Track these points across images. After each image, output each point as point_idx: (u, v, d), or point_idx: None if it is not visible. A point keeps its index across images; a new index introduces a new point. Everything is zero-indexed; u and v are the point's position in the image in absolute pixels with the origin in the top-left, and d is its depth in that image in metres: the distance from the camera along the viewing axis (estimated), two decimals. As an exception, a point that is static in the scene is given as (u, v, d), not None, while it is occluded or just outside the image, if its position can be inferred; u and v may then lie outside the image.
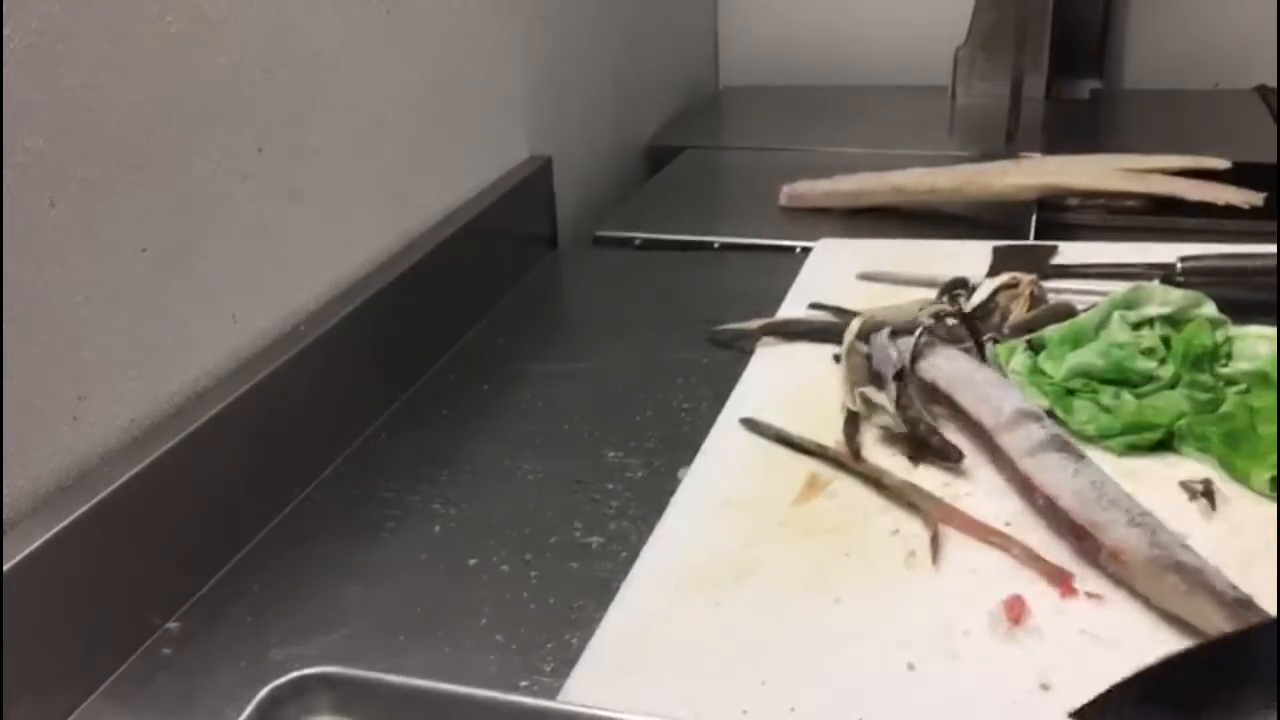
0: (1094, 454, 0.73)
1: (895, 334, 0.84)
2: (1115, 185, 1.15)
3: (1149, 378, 0.78)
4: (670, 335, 0.98)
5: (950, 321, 0.86)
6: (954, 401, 0.77)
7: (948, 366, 0.80)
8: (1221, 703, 0.50)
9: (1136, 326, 0.83)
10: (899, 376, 0.80)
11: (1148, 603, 0.60)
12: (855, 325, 0.86)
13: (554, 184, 1.20)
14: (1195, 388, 0.77)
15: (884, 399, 0.78)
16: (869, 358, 0.84)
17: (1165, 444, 0.74)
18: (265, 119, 0.77)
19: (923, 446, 0.74)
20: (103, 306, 0.64)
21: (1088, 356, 0.80)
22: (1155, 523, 0.63)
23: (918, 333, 0.83)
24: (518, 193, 1.12)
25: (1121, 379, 0.78)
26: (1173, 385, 0.77)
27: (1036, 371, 0.81)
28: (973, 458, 0.74)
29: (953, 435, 0.75)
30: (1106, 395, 0.77)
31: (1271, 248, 0.91)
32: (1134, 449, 0.74)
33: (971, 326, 0.85)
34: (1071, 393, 0.78)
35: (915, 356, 0.81)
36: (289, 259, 0.81)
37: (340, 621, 0.66)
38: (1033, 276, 0.90)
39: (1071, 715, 0.52)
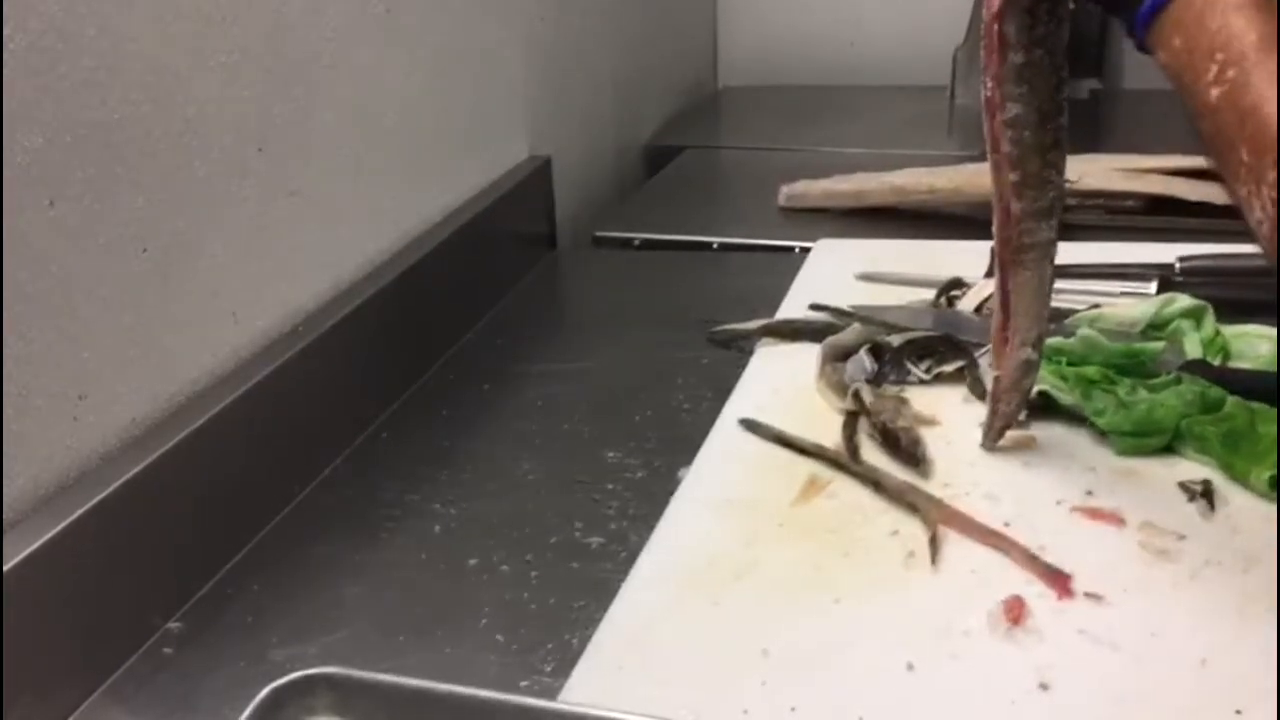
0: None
1: (874, 349, 0.85)
2: (1114, 185, 1.15)
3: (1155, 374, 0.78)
4: (670, 335, 0.98)
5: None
6: None
7: None
8: None
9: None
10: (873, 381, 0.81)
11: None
12: (822, 351, 0.87)
13: (553, 184, 1.20)
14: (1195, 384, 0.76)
15: (867, 394, 0.79)
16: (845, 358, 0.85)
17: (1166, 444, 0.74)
18: (265, 119, 0.77)
19: (894, 449, 0.75)
20: (103, 306, 0.64)
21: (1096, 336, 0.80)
22: None
23: (885, 357, 0.84)
24: (517, 193, 1.12)
25: (1131, 365, 0.78)
26: (1178, 380, 0.76)
27: (1054, 361, 0.80)
28: (974, 460, 0.74)
29: (933, 449, 0.75)
30: (1124, 389, 0.76)
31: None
32: (1136, 451, 0.73)
33: (956, 344, 0.85)
34: (1094, 383, 0.77)
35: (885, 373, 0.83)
36: (289, 259, 0.81)
37: (340, 621, 0.66)
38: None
39: None
